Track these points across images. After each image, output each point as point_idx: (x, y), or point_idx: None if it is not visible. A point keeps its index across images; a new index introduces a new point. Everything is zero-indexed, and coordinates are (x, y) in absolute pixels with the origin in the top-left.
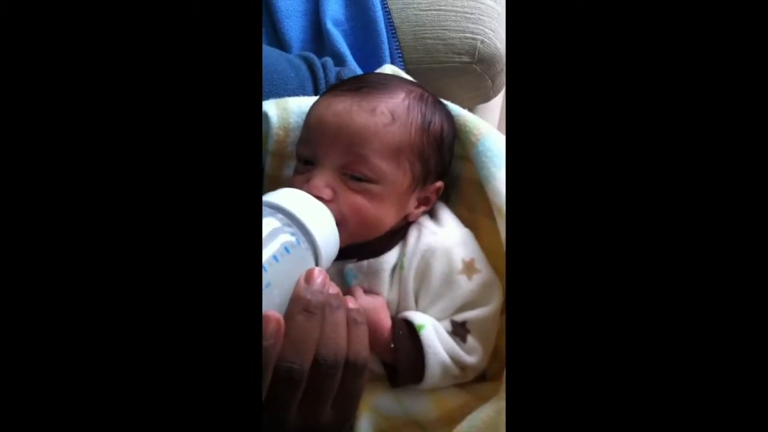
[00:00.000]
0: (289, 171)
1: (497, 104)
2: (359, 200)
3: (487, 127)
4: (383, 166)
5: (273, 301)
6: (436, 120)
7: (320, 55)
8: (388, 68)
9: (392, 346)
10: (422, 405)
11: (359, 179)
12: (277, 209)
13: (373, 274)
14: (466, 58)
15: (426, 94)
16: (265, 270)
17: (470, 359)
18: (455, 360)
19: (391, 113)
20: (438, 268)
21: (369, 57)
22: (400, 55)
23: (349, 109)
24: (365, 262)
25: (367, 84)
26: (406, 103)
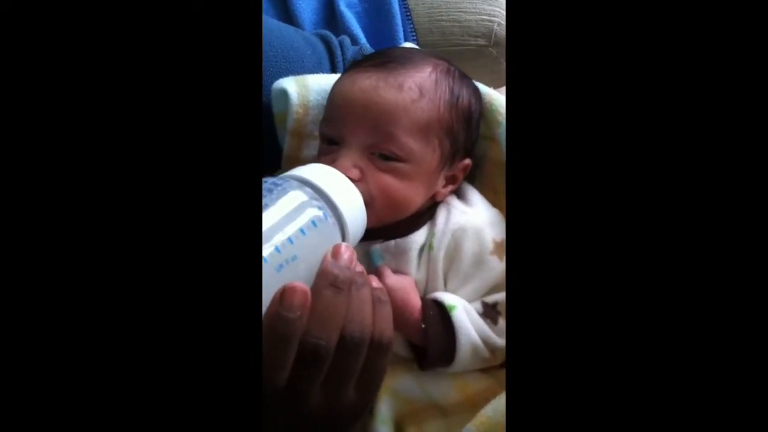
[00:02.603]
0: (308, 151)
1: None
2: (388, 180)
3: None
4: (412, 144)
5: (298, 275)
6: (464, 95)
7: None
8: (407, 45)
9: (422, 326)
10: (444, 389)
11: (387, 158)
12: (305, 183)
13: (401, 253)
14: (482, 41)
15: (453, 68)
16: (292, 242)
17: (501, 342)
18: (486, 342)
19: (419, 88)
20: (469, 247)
21: (383, 39)
22: (415, 37)
23: (375, 85)
24: (392, 242)
25: (393, 59)
26: (434, 77)
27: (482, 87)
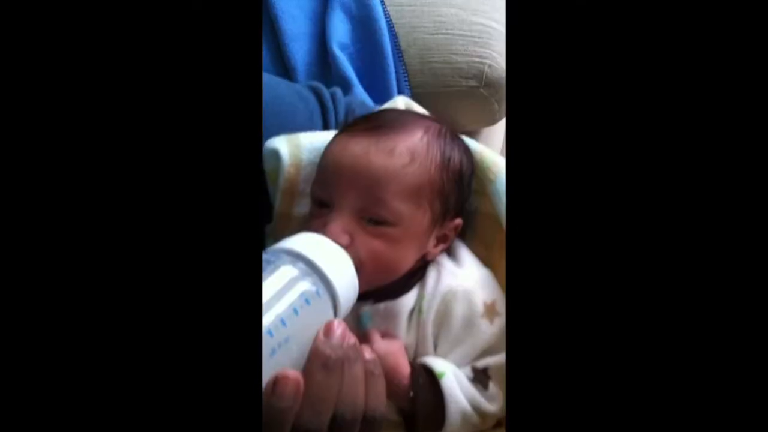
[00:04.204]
0: (299, 209)
1: (503, 127)
2: (377, 245)
3: (503, 163)
4: (402, 208)
5: (291, 356)
6: (456, 156)
7: (326, 80)
8: (399, 100)
9: (411, 394)
10: None
11: (377, 222)
12: (297, 256)
13: (391, 317)
14: (473, 82)
15: (444, 129)
16: (284, 324)
17: (491, 407)
18: (476, 408)
19: (410, 153)
20: (459, 311)
21: (376, 81)
22: (407, 79)
23: (366, 151)
24: (382, 305)
25: (384, 123)
26: (425, 140)
27: (473, 144)
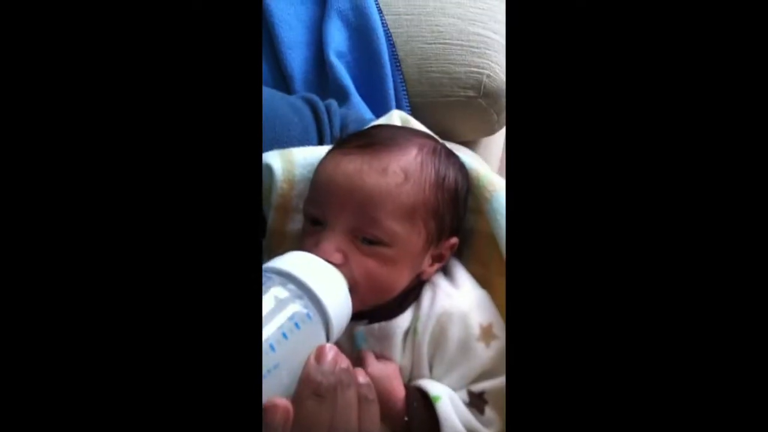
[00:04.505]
0: (293, 225)
1: (501, 137)
2: (371, 264)
3: (500, 182)
4: (396, 227)
5: (281, 383)
6: (451, 174)
7: (323, 88)
8: (395, 115)
9: (406, 418)
10: None
11: (371, 242)
12: (287, 277)
13: (385, 338)
14: (471, 93)
15: (438, 147)
16: (273, 350)
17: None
18: None
19: (403, 172)
20: (455, 334)
21: (373, 90)
22: (404, 88)
23: (359, 169)
24: (376, 326)
25: (378, 140)
26: (419, 159)
27: (469, 162)
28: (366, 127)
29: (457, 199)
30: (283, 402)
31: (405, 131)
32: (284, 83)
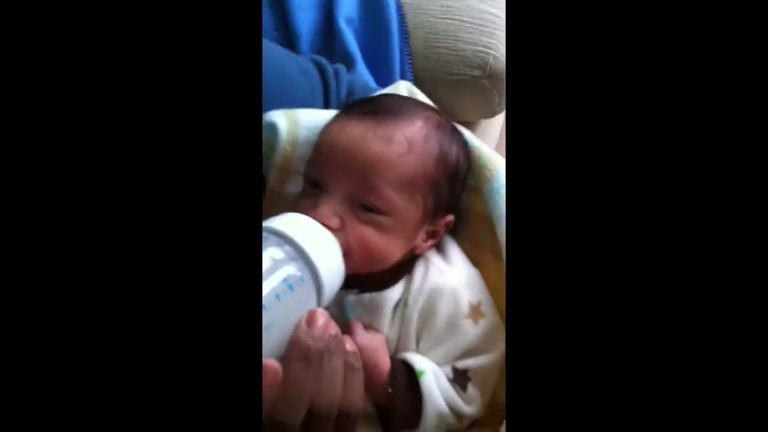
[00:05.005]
0: (291, 187)
1: (500, 121)
2: (367, 232)
3: (502, 163)
4: (395, 197)
5: (271, 343)
6: (453, 150)
7: (329, 53)
8: (402, 85)
9: (389, 390)
10: None
11: (369, 210)
12: (284, 238)
13: (375, 308)
14: (477, 72)
15: (443, 122)
16: (266, 309)
17: (468, 409)
18: (453, 409)
19: (407, 142)
20: (444, 310)
21: (378, 60)
22: (410, 62)
23: (363, 136)
24: (367, 296)
25: (384, 109)
26: (424, 131)
27: (472, 140)
28: (373, 95)
29: (456, 176)
30: (273, 363)
31: (412, 102)
32: (290, 43)
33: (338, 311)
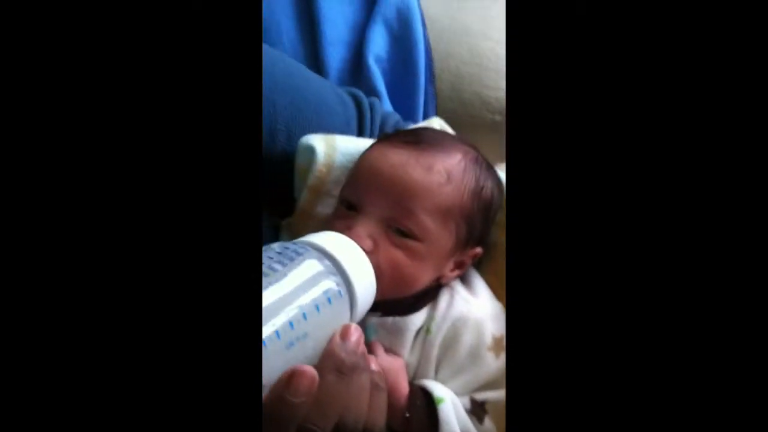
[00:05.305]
0: (322, 208)
1: None
2: (399, 256)
3: None
4: (430, 224)
5: (306, 353)
6: (489, 185)
7: (356, 88)
8: (435, 121)
9: (407, 415)
10: None
11: (403, 234)
12: (324, 253)
13: (397, 332)
14: (498, 117)
15: (480, 158)
16: (306, 319)
17: None
18: None
19: (447, 173)
20: (467, 339)
21: (404, 99)
22: (435, 103)
23: (405, 163)
24: (390, 319)
25: (426, 139)
26: (463, 164)
27: (505, 178)
28: (411, 127)
29: (489, 210)
30: (311, 370)
31: (451, 136)
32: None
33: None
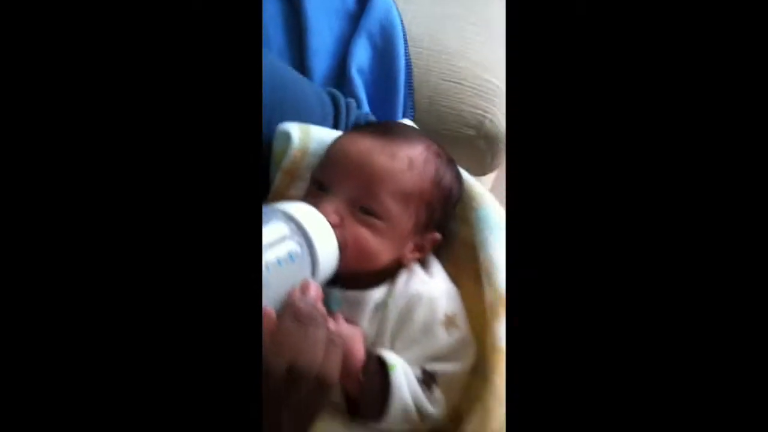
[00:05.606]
0: (295, 191)
1: (489, 180)
2: (363, 232)
3: (489, 197)
4: (392, 206)
5: (266, 300)
6: (447, 177)
7: None
8: (406, 122)
9: (361, 378)
10: None
11: (367, 212)
12: (290, 218)
13: (357, 305)
14: (471, 132)
15: (442, 152)
16: (269, 270)
17: (432, 410)
18: (418, 407)
19: (409, 161)
20: (421, 314)
21: (383, 111)
22: (413, 116)
23: (372, 149)
24: (352, 293)
25: (392, 131)
26: (425, 155)
27: (465, 174)
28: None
29: (448, 199)
30: (270, 310)
31: (416, 130)
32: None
33: (324, 304)
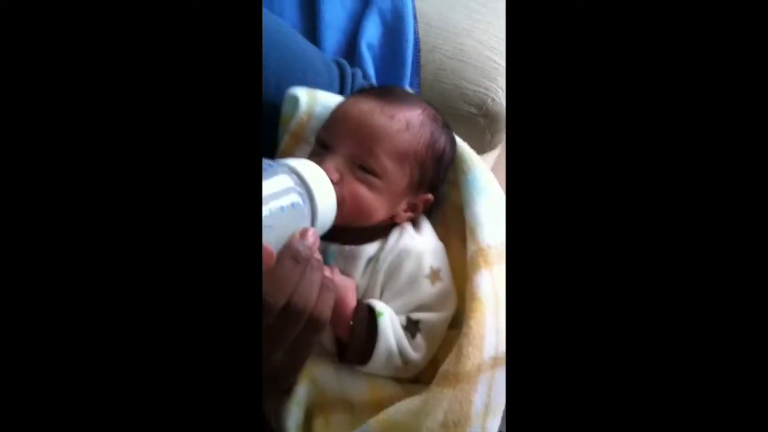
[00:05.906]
0: (300, 153)
1: (490, 159)
2: (360, 188)
3: (479, 161)
4: (388, 164)
5: (268, 241)
6: (442, 140)
7: None
8: (408, 89)
9: (351, 323)
10: (358, 387)
11: (365, 170)
12: (294, 172)
13: (351, 259)
14: (473, 110)
15: (438, 116)
16: (271, 214)
17: (414, 355)
18: (401, 352)
19: (407, 122)
20: (407, 267)
21: (390, 84)
22: (418, 91)
23: (371, 110)
24: (347, 247)
25: (392, 94)
26: (421, 118)
27: (459, 140)
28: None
29: (441, 161)
30: (270, 248)
31: (415, 95)
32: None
33: (321, 258)
